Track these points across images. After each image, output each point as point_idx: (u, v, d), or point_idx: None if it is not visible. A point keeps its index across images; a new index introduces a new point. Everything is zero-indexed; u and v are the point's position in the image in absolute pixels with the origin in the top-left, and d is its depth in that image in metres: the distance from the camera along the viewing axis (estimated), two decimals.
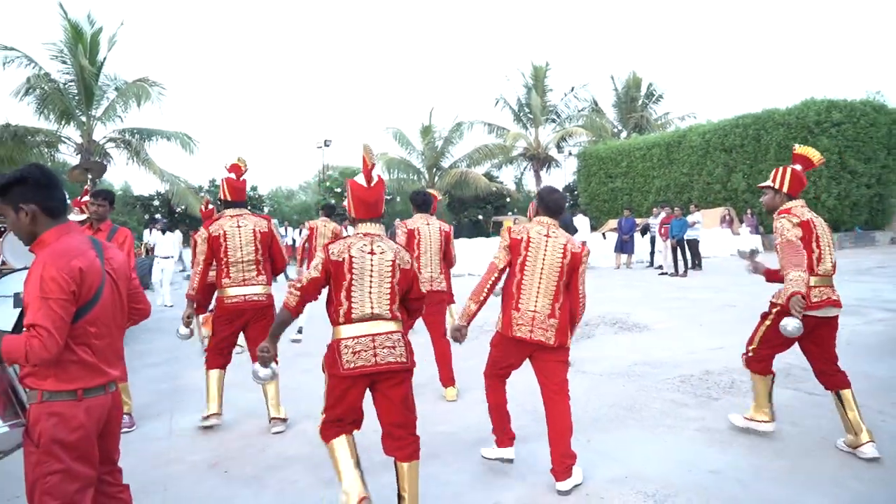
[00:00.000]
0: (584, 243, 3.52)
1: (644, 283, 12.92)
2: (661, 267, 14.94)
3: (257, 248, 4.55)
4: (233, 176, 4.72)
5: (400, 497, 2.95)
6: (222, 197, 4.71)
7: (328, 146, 28.28)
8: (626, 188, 25.89)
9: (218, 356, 4.55)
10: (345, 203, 3.26)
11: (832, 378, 3.78)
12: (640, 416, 4.52)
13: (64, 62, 21.85)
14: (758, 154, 20.72)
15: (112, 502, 2.39)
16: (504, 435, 3.64)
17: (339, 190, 25.61)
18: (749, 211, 20.01)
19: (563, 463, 3.33)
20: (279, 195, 38.19)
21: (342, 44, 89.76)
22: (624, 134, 32.78)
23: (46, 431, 2.08)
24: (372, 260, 2.90)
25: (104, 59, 22.25)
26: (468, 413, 4.68)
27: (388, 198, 25.56)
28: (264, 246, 4.60)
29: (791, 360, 5.77)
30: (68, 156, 23.13)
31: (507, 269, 3.52)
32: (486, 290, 3.49)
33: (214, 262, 4.53)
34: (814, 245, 3.69)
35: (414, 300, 3.11)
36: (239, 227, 4.52)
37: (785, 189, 3.85)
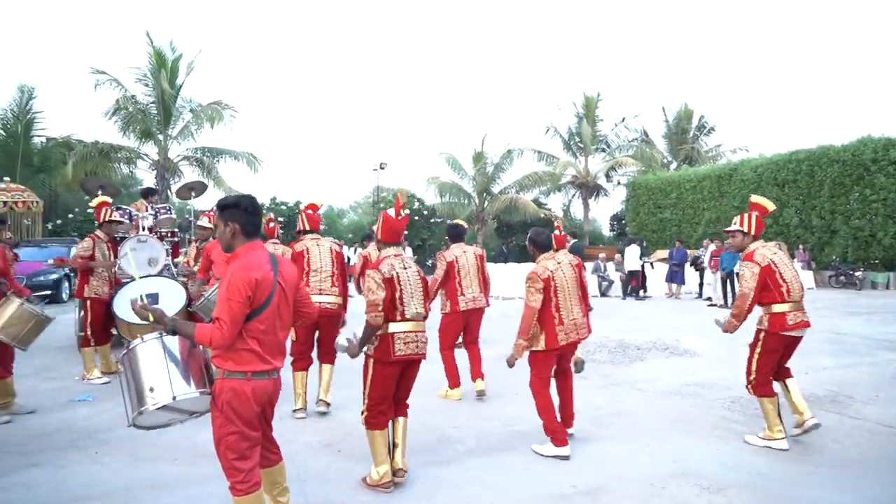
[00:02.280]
0: (580, 260, 4.82)
1: (693, 312, 13.25)
2: (710, 298, 15.21)
3: (333, 262, 5.47)
4: (310, 211, 5.71)
5: (395, 445, 3.91)
6: (301, 227, 5.69)
7: (383, 169, 29.35)
8: (676, 219, 26.07)
9: (301, 359, 5.36)
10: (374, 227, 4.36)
11: (782, 372, 4.70)
12: (693, 427, 5.05)
13: (147, 85, 23.61)
14: (811, 190, 20.74)
15: (268, 457, 3.08)
16: (560, 434, 4.38)
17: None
18: (801, 247, 20.01)
19: (571, 416, 4.70)
20: (332, 214, 39.54)
21: (400, 71, 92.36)
22: (674, 165, 32.91)
23: (225, 401, 2.75)
24: (407, 273, 3.86)
25: (182, 83, 23.95)
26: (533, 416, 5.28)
27: (439, 220, 26.31)
28: (339, 262, 5.54)
29: (836, 389, 6.22)
30: (144, 171, 24.83)
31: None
32: (531, 328, 4.36)
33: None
34: (779, 280, 4.49)
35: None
36: (318, 245, 5.50)
37: (752, 231, 4.66)
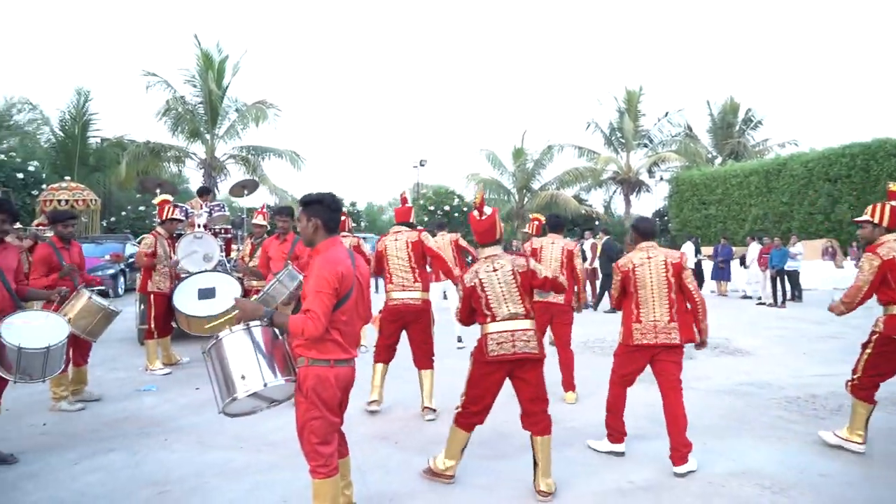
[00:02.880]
0: (682, 253, 4.34)
1: (741, 311, 12.99)
2: (755, 297, 14.88)
3: (410, 256, 5.34)
4: (399, 204, 5.72)
5: (535, 464, 3.71)
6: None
7: (423, 166, 29.53)
8: (721, 216, 25.50)
9: (383, 351, 5.37)
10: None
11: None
12: (751, 426, 4.99)
13: (195, 86, 24.31)
14: (866, 185, 20.01)
15: (339, 449, 3.21)
16: (617, 432, 4.37)
17: (432, 208, 26.68)
18: (854, 244, 19.35)
19: (678, 450, 4.01)
20: (373, 210, 39.99)
21: (441, 68, 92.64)
22: (719, 160, 32.18)
23: (310, 388, 2.89)
24: (496, 276, 3.72)
25: (228, 83, 24.57)
26: (591, 413, 5.29)
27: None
28: (416, 254, 5.36)
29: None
30: (192, 169, 25.57)
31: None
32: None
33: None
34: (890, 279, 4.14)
35: (540, 286, 3.90)
36: (396, 239, 5.43)
37: (885, 223, 4.33)
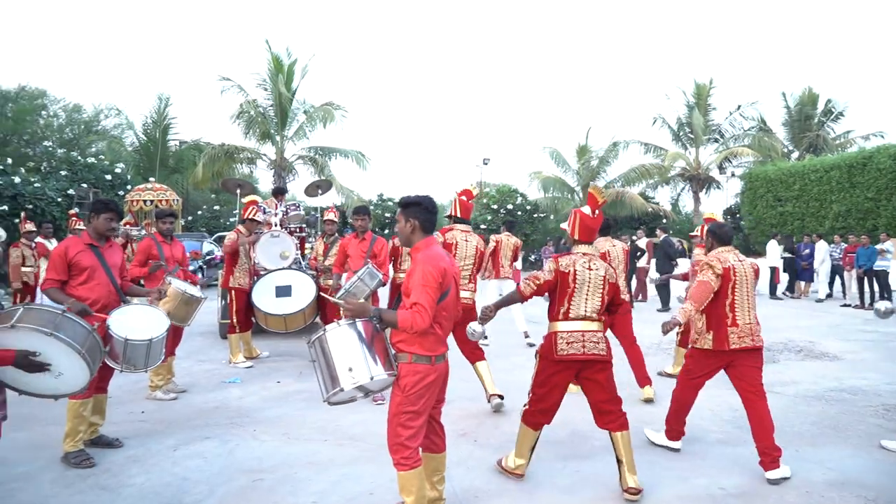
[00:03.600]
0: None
1: (826, 313, 12.35)
2: (822, 299, 14.12)
3: (475, 261, 5.59)
4: (464, 198, 5.69)
5: (619, 461, 3.68)
6: (453, 213, 5.72)
7: (486, 164, 29.49)
8: (799, 213, 24.28)
9: (476, 349, 5.45)
10: (564, 225, 4.09)
11: None
12: (846, 434, 4.74)
13: (266, 90, 25.13)
14: None
15: (436, 442, 3.26)
16: (676, 430, 4.36)
17: (495, 206, 26.63)
18: None
19: (768, 455, 3.87)
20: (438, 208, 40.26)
21: (503, 65, 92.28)
22: (796, 154, 30.66)
23: (410, 383, 2.97)
24: (590, 275, 3.69)
25: (297, 86, 25.26)
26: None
27: (542, 216, 26.11)
28: (479, 259, 5.63)
29: None
30: (263, 170, 26.44)
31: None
32: (706, 300, 4.04)
33: None
34: None
35: (616, 306, 3.94)
36: (467, 241, 5.56)
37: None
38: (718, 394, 5.68)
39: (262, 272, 7.75)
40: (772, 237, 16.59)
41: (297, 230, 9.54)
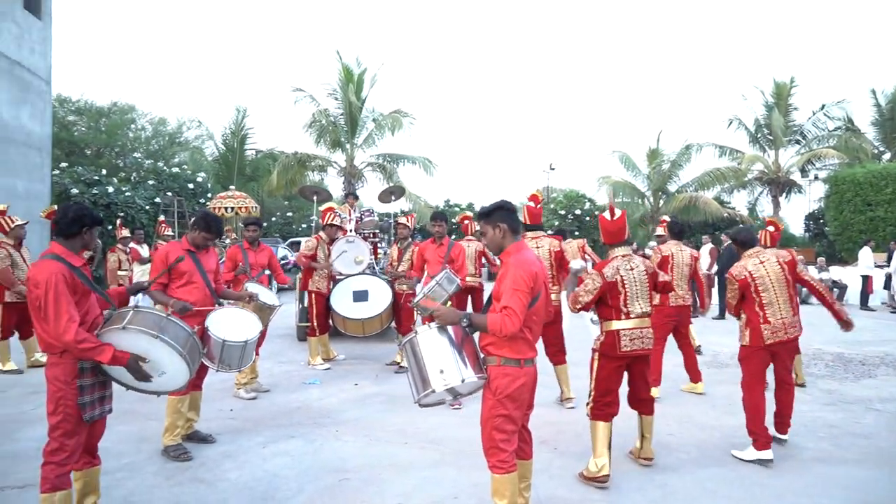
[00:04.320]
0: (790, 250, 4.72)
1: None
2: None
3: (552, 265, 5.58)
4: (532, 204, 5.71)
5: (643, 437, 4.25)
6: (523, 220, 5.71)
7: (553, 170, 29.20)
8: (891, 218, 22.74)
9: (560, 352, 5.67)
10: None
11: None
12: None
13: (336, 99, 25.77)
14: None
15: (524, 448, 3.25)
16: (763, 437, 4.28)
17: (562, 212, 26.32)
18: None
19: (786, 425, 4.59)
20: None
21: (570, 70, 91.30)
22: (887, 156, 28.77)
23: (501, 386, 2.97)
24: (633, 275, 4.02)
25: (367, 95, 25.78)
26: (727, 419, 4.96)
27: None
28: (557, 261, 5.63)
29: None
30: (333, 177, 27.12)
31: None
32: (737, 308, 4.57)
33: None
34: None
35: (661, 287, 4.28)
36: (538, 247, 5.57)
37: None
38: (810, 409, 5.42)
39: (338, 276, 7.95)
40: (864, 244, 15.60)
41: (371, 235, 9.75)
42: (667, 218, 7.43)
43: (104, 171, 18.69)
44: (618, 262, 4.05)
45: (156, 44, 70.45)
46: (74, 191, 16.59)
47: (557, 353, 5.62)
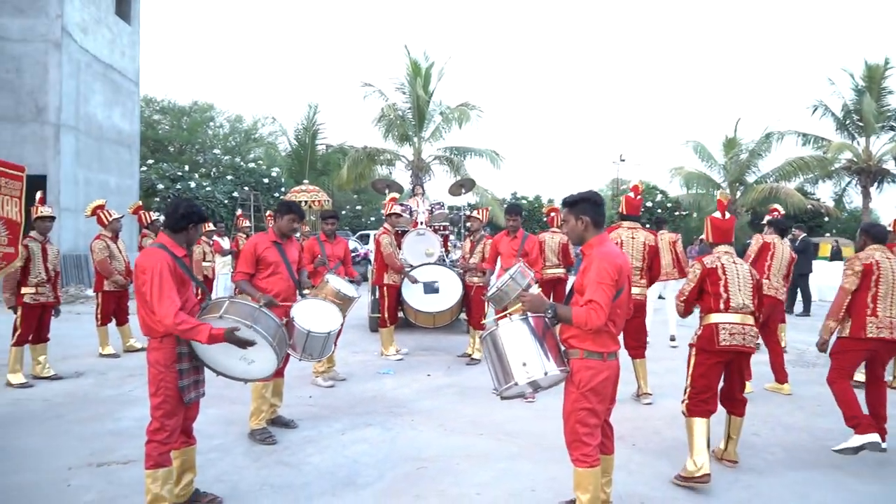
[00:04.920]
0: None
1: None
2: None
3: (644, 258, 5.49)
4: (632, 195, 5.61)
5: (729, 438, 4.13)
6: (621, 211, 5.68)
7: (623, 161, 28.50)
8: None
9: (640, 346, 5.65)
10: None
11: None
12: None
13: (404, 93, 26.03)
14: None
15: (605, 444, 3.22)
16: (864, 420, 4.09)
17: None
18: None
19: (883, 430, 4.21)
20: None
21: (642, 58, 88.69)
22: None
23: (584, 379, 2.95)
24: (737, 269, 3.98)
25: (434, 88, 25.92)
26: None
27: (684, 213, 24.74)
28: (650, 256, 5.53)
29: None
30: (401, 171, 27.49)
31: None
32: (842, 311, 4.33)
33: None
34: None
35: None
36: (633, 238, 5.47)
37: None
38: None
39: (408, 269, 8.07)
40: None
41: (441, 228, 9.84)
42: (778, 207, 7.40)
43: (186, 167, 19.69)
44: (719, 253, 4.05)
45: (232, 44, 73.40)
46: (160, 186, 17.58)
47: (638, 348, 5.58)
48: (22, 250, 5.89)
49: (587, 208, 3.05)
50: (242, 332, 3.14)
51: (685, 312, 4.18)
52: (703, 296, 4.00)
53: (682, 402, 3.97)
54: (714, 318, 3.89)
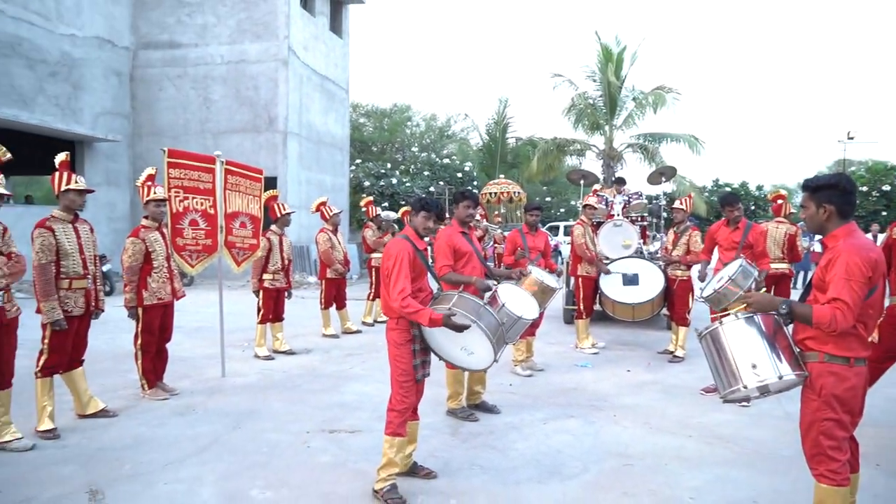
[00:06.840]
0: None
1: None
2: None
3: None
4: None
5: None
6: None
7: (851, 139, 24.78)
8: None
9: None
10: None
11: None
12: None
13: (594, 81, 25.33)
14: None
15: (851, 463, 2.82)
16: None
17: (865, 189, 22.23)
18: None
19: None
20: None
21: (867, 17, 76.44)
22: None
23: (826, 386, 2.61)
24: None
25: (626, 73, 24.84)
26: None
27: None
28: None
29: None
30: (591, 160, 26.83)
31: None
32: None
33: None
34: None
35: None
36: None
37: None
38: None
39: (605, 261, 7.85)
40: None
41: (639, 219, 9.42)
42: None
43: (388, 165, 21.24)
44: None
45: (427, 47, 77.45)
46: (366, 183, 19.20)
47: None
48: (264, 242, 6.88)
49: (833, 196, 2.67)
50: (458, 318, 3.33)
51: None
52: None
53: None
54: None
